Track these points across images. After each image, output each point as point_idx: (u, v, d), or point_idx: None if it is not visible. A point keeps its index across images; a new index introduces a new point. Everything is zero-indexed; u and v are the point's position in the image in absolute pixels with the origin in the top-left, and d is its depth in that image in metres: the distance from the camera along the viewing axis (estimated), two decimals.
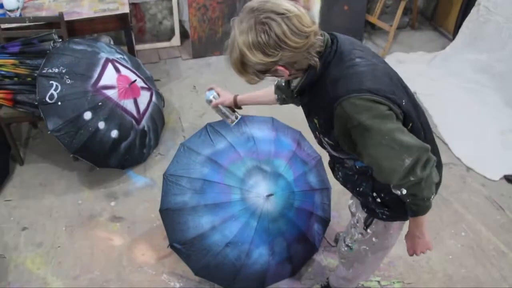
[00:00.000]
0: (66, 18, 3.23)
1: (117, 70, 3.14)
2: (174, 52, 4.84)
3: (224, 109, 2.17)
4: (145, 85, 3.37)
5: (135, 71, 3.34)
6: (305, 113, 1.71)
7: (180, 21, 4.84)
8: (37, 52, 2.98)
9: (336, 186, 2.92)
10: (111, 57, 3.18)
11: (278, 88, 2.02)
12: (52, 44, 2.99)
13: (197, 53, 4.73)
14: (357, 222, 1.92)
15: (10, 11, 3.26)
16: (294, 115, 3.96)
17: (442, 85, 4.28)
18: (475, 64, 4.23)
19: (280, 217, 2.29)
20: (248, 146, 2.39)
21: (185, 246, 2.29)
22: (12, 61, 2.95)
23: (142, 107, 3.25)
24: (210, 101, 2.18)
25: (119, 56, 3.30)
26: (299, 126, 2.73)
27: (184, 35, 4.90)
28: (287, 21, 1.30)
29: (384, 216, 1.75)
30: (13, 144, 3.23)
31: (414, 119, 1.51)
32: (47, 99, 2.76)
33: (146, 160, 3.41)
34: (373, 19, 4.99)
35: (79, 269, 2.64)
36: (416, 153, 1.36)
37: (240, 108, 2.21)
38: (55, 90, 2.78)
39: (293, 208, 2.34)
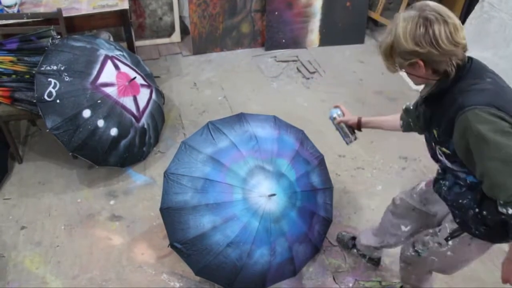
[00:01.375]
0: (65, 14, 3.18)
1: (117, 67, 3.10)
2: (174, 48, 4.80)
3: (345, 128, 2.31)
4: (144, 82, 3.33)
5: (134, 68, 3.31)
6: (425, 124, 1.75)
7: (181, 17, 4.80)
8: (35, 49, 2.94)
9: (336, 185, 2.91)
10: (110, 54, 3.14)
11: (406, 111, 2.07)
12: (50, 41, 2.95)
13: (198, 50, 4.70)
14: (439, 231, 1.90)
15: (8, 7, 3.22)
16: (297, 114, 3.98)
17: None
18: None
19: (282, 217, 2.26)
20: (251, 145, 2.36)
21: (185, 246, 2.25)
22: (10, 58, 2.92)
23: (141, 104, 3.22)
24: (334, 118, 2.31)
25: (118, 52, 3.26)
26: (302, 125, 2.71)
27: (184, 31, 4.86)
28: (446, 26, 1.43)
29: (477, 232, 1.70)
30: (11, 142, 3.20)
31: None
32: (45, 97, 2.72)
33: (146, 158, 3.38)
34: (375, 15, 4.95)
35: (78, 268, 2.61)
36: None
37: (360, 130, 2.35)
38: (54, 87, 2.74)
39: (295, 208, 2.31)
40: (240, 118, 2.52)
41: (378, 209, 3.04)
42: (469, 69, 1.53)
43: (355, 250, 2.71)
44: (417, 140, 3.62)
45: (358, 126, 2.30)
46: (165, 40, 4.86)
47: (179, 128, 3.71)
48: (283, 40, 4.79)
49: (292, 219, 2.30)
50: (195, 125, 3.70)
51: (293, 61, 4.67)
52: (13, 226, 2.84)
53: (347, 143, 2.35)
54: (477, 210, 1.64)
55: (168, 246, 2.30)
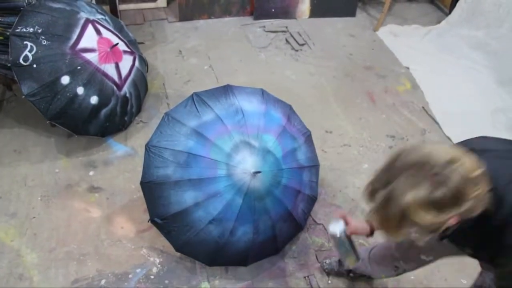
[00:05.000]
0: None
1: (98, 32, 2.95)
2: (160, 14, 4.62)
3: (348, 244, 1.83)
4: (127, 49, 3.19)
5: (117, 33, 3.15)
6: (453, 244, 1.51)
7: None
8: (10, 9, 2.76)
9: (322, 162, 2.86)
10: (91, 17, 2.98)
11: None
12: (26, 1, 2.78)
13: (184, 16, 4.53)
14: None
15: None
16: (285, 87, 3.89)
17: (436, 60, 4.19)
18: (471, 40, 4.14)
19: (266, 195, 2.20)
20: (236, 119, 2.27)
21: (166, 221, 2.20)
22: None
23: (124, 72, 3.08)
24: (335, 236, 1.82)
25: (100, 16, 3.10)
26: (289, 99, 2.63)
27: None
28: (461, 169, 1.12)
29: None
30: None
31: None
32: (21, 60, 2.57)
33: (128, 128, 3.27)
34: None
35: (55, 241, 2.53)
36: None
37: (372, 235, 1.84)
38: (30, 51, 2.59)
39: (280, 186, 2.25)
40: (227, 90, 2.42)
41: (363, 188, 3.01)
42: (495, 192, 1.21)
43: (352, 275, 2.45)
44: (406, 119, 3.60)
45: (371, 231, 1.83)
46: (151, 5, 4.66)
47: (162, 98, 3.60)
48: (273, 10, 4.64)
49: (276, 197, 2.24)
50: (179, 95, 3.59)
51: (282, 32, 4.54)
52: None
53: (357, 259, 1.86)
54: None
55: (148, 221, 2.23)
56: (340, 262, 2.47)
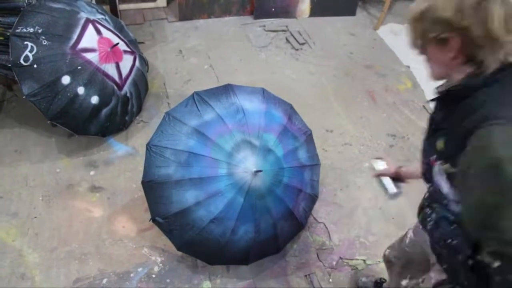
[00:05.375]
0: None
1: (98, 31, 2.95)
2: (160, 13, 4.61)
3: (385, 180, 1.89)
4: (128, 49, 3.19)
5: (117, 33, 3.15)
6: (428, 132, 1.44)
7: None
8: (10, 9, 2.76)
9: (323, 161, 2.86)
10: (91, 17, 2.98)
11: None
12: (26, 1, 2.77)
13: (184, 16, 4.52)
14: (423, 282, 1.71)
15: None
16: (285, 86, 3.88)
17: None
18: None
19: (267, 194, 2.20)
20: (237, 119, 2.27)
21: (168, 220, 2.19)
22: None
23: (124, 71, 3.08)
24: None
25: (100, 16, 3.10)
26: (290, 98, 2.63)
27: None
28: (506, 6, 1.08)
29: (466, 283, 1.32)
30: None
31: None
32: (21, 61, 2.57)
33: (128, 128, 3.27)
34: None
35: (57, 241, 2.53)
36: None
37: (403, 181, 1.86)
38: (30, 51, 2.59)
39: (281, 185, 2.25)
40: (227, 89, 2.42)
41: (364, 187, 3.01)
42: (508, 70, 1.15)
43: None
44: (407, 118, 3.60)
45: (398, 176, 1.85)
46: (150, 5, 4.66)
47: (163, 97, 3.60)
48: (273, 9, 4.64)
49: (277, 196, 2.24)
50: (179, 94, 3.59)
51: (283, 31, 4.54)
52: None
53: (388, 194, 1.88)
54: (470, 252, 1.26)
55: (149, 220, 2.24)
56: (376, 284, 2.36)
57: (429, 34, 1.18)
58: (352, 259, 2.58)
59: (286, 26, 4.58)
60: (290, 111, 2.49)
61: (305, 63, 4.15)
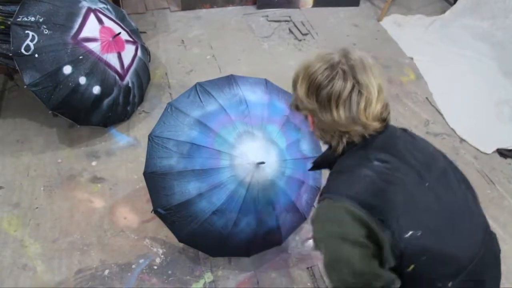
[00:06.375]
0: None
1: (100, 21, 2.92)
2: (162, 3, 4.58)
3: None
4: (130, 38, 3.16)
5: (119, 22, 3.13)
6: None
7: None
8: None
9: None
10: (93, 6, 2.95)
11: None
12: None
13: (187, 5, 4.49)
14: None
15: None
16: (288, 77, 3.84)
17: (440, 51, 4.15)
18: (475, 31, 4.09)
19: (270, 185, 2.19)
20: (240, 110, 2.25)
21: (169, 212, 2.18)
22: None
23: (126, 61, 3.06)
24: None
25: (102, 5, 3.07)
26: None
27: None
28: (356, 96, 1.17)
29: None
30: None
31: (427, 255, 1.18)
32: (22, 50, 2.55)
33: (130, 118, 3.26)
34: None
35: (58, 231, 2.53)
36: None
37: None
38: (32, 41, 2.57)
39: (284, 177, 2.24)
40: (230, 80, 2.40)
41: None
42: (362, 145, 1.24)
43: None
44: (410, 110, 3.58)
45: None
46: None
47: (165, 87, 3.58)
48: None
49: (280, 188, 2.23)
50: (182, 85, 3.57)
51: (285, 21, 4.50)
52: None
53: None
54: None
55: (151, 212, 2.23)
56: None
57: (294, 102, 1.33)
58: None
59: (289, 17, 4.54)
60: None
61: (308, 53, 4.11)
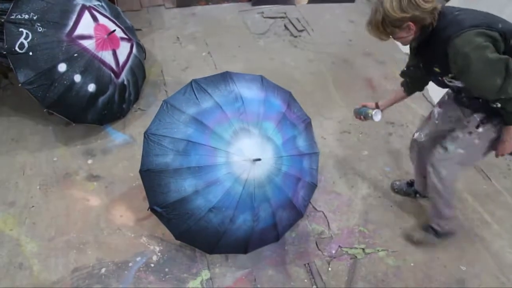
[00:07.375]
0: None
1: (95, 18, 2.91)
2: (157, 0, 4.55)
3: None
4: (125, 36, 3.15)
5: (114, 20, 3.11)
6: (425, 69, 2.13)
7: None
8: None
9: (322, 149, 2.85)
10: (88, 4, 2.93)
11: (402, 74, 2.40)
12: None
13: (182, 2, 4.48)
14: (469, 123, 2.20)
15: None
16: (284, 73, 3.86)
17: None
18: None
19: (266, 182, 2.19)
20: (236, 107, 2.24)
21: (166, 209, 2.18)
22: None
23: (121, 59, 3.05)
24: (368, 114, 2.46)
25: (96, 3, 3.05)
26: (289, 86, 2.60)
27: None
28: None
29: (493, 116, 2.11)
30: None
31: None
32: (16, 48, 2.54)
33: (126, 116, 3.25)
34: None
35: (54, 230, 2.52)
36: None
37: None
38: (26, 38, 2.55)
39: (280, 173, 2.24)
40: (226, 77, 2.39)
41: (363, 175, 3.00)
42: (440, 13, 1.88)
43: (418, 195, 2.89)
44: (406, 106, 3.58)
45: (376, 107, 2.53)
46: None
47: (160, 85, 3.57)
48: None
49: (276, 185, 2.23)
50: (177, 82, 3.56)
51: (281, 18, 4.49)
52: None
53: (377, 118, 2.43)
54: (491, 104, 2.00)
55: (148, 209, 2.22)
56: (408, 184, 2.90)
57: (393, 30, 1.91)
58: (351, 248, 2.58)
59: (285, 13, 4.53)
60: (289, 99, 2.47)
61: (303, 50, 4.12)
